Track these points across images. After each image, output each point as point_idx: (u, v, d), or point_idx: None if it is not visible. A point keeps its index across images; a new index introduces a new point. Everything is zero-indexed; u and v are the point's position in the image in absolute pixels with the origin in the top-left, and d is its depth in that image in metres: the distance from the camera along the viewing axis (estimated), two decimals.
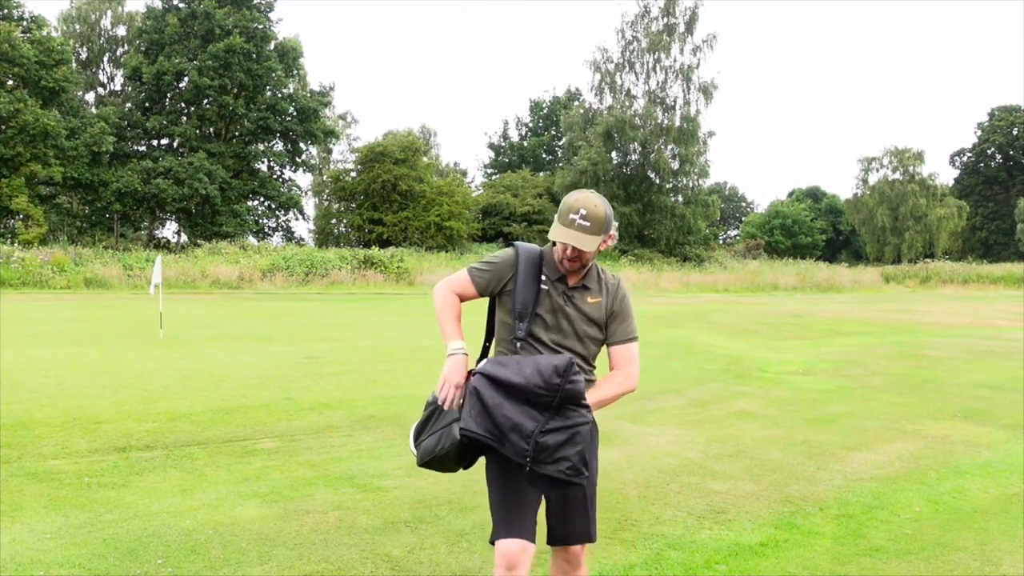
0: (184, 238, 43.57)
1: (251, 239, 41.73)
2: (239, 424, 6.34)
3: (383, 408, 7.11)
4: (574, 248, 2.61)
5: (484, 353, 2.88)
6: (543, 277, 2.72)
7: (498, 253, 2.80)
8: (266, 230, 47.19)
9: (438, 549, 3.80)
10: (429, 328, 15.12)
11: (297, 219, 55.73)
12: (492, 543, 2.68)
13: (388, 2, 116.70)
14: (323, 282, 30.49)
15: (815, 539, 4.03)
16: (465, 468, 2.77)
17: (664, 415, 7.20)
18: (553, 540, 2.80)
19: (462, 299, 2.83)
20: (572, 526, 2.77)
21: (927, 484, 5.07)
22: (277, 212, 47.54)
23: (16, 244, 30.39)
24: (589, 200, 2.60)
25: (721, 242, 68.40)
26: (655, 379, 9.24)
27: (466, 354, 2.69)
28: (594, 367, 2.82)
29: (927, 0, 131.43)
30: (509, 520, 2.66)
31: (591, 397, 2.67)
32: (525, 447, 2.47)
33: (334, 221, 48.19)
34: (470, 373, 2.65)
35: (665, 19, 46.08)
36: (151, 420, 6.40)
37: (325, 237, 46.95)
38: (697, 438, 6.25)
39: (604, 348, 2.87)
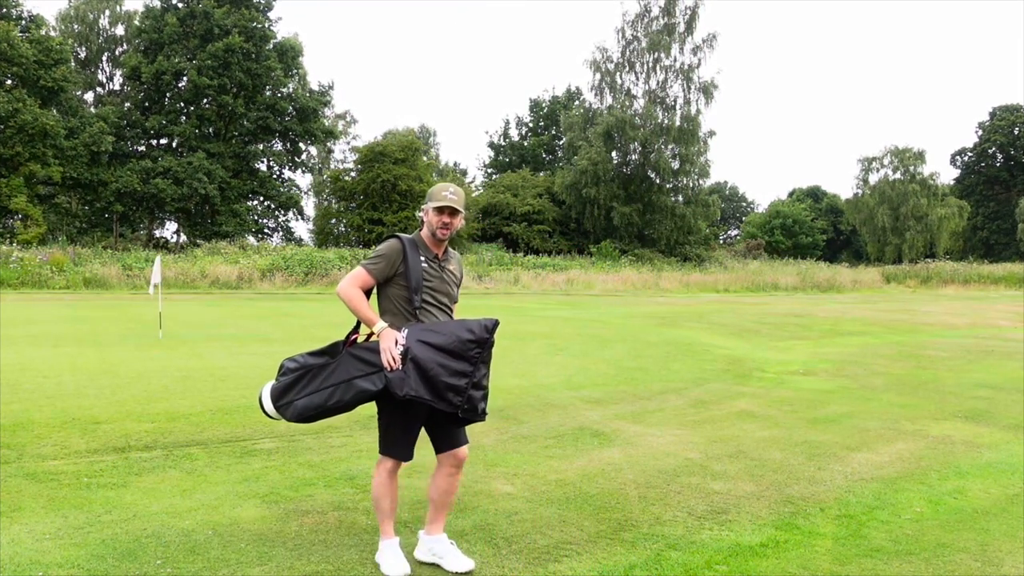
0: (183, 238, 43.57)
1: (250, 239, 41.73)
2: (239, 424, 6.33)
3: None
4: (448, 215, 3.47)
5: (356, 328, 3.56)
6: (422, 259, 3.50)
7: (383, 246, 3.52)
8: (266, 230, 47.22)
9: None
10: None
11: (297, 219, 55.79)
12: (385, 455, 3.52)
13: (388, 2, 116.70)
14: (323, 282, 30.49)
15: (816, 540, 4.02)
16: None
17: (664, 415, 7.19)
18: (445, 448, 3.58)
19: (364, 290, 3.49)
20: (459, 436, 3.58)
21: (928, 484, 5.06)
22: (276, 212, 47.55)
23: (15, 244, 30.39)
24: (451, 184, 3.57)
25: (721, 242, 68.39)
26: (655, 379, 9.23)
27: (390, 327, 3.38)
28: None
29: (927, 0, 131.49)
30: (406, 444, 3.52)
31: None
32: (458, 401, 3.25)
33: (334, 221, 48.16)
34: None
35: (665, 19, 46.08)
36: (150, 420, 6.39)
37: (325, 237, 46.93)
38: (697, 438, 6.24)
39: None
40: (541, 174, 53.67)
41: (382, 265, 3.49)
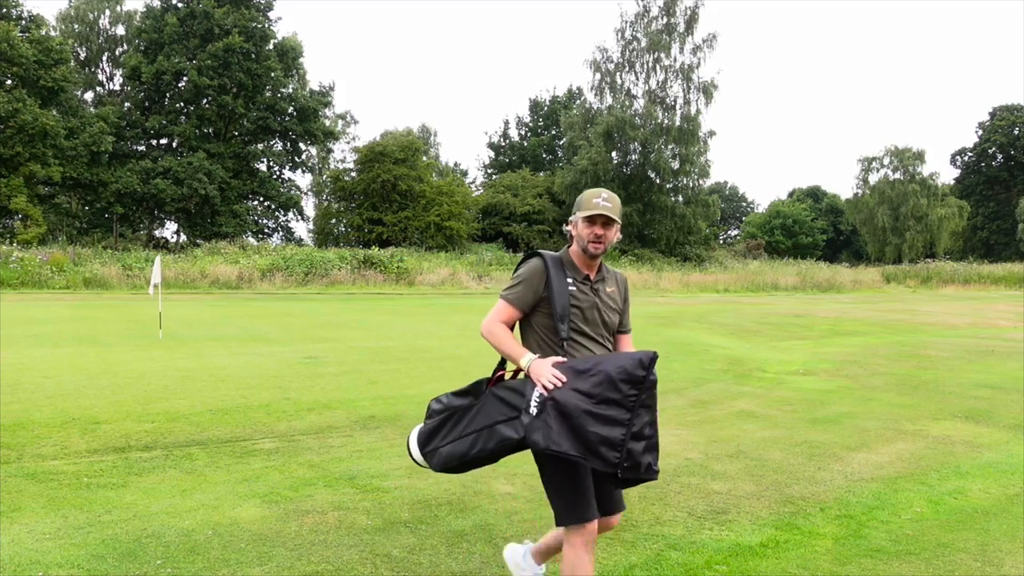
0: (183, 238, 43.57)
1: (250, 239, 41.74)
2: (238, 424, 6.33)
3: (383, 408, 7.10)
4: (601, 227, 2.87)
5: (501, 365, 3.00)
6: (569, 280, 2.92)
7: (522, 269, 2.97)
8: (265, 230, 47.21)
9: (438, 550, 3.79)
10: (429, 328, 15.11)
11: (297, 219, 55.80)
12: (564, 525, 2.80)
13: (388, 2, 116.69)
14: (323, 282, 30.49)
15: (816, 540, 4.02)
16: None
17: (664, 415, 7.18)
18: (600, 512, 2.92)
19: (509, 325, 2.97)
20: (615, 499, 3.00)
21: (928, 484, 5.06)
22: (276, 212, 47.55)
23: (15, 244, 30.39)
24: (604, 190, 2.93)
25: (721, 242, 68.40)
26: None
27: (537, 357, 2.81)
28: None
29: (927, 0, 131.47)
30: (586, 503, 2.79)
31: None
32: (615, 457, 2.59)
33: (334, 221, 48.18)
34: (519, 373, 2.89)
35: (665, 19, 46.08)
36: (150, 420, 6.38)
37: (325, 237, 46.94)
38: (697, 438, 6.24)
39: None
40: (541, 174, 53.67)
41: (523, 291, 2.93)
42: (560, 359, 2.75)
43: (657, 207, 45.59)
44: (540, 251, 3.00)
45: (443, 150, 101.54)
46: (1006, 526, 4.28)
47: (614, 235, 2.92)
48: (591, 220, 2.88)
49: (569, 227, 2.98)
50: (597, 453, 2.57)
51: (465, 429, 2.84)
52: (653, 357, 2.67)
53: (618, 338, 3.06)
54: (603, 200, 2.86)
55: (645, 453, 2.65)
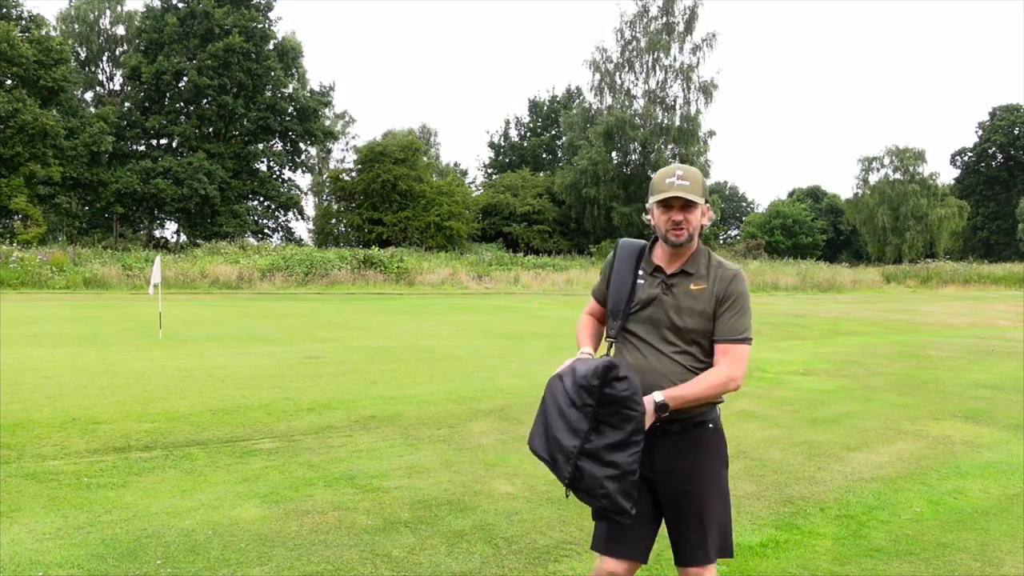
0: (183, 238, 43.58)
1: (250, 239, 41.75)
2: (238, 424, 6.32)
3: (383, 408, 7.10)
4: (680, 211, 2.41)
5: None
6: (639, 271, 2.53)
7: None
8: (265, 230, 47.22)
9: (438, 550, 3.79)
10: (429, 328, 15.11)
11: (297, 219, 55.85)
12: (594, 548, 2.51)
13: (388, 2, 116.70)
14: (323, 282, 30.49)
15: (816, 539, 4.02)
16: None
17: None
18: (676, 560, 2.51)
19: (597, 317, 2.72)
20: (687, 544, 2.45)
21: (928, 484, 5.05)
22: (276, 212, 47.57)
23: (15, 244, 30.39)
24: (679, 166, 2.47)
25: (721, 242, 68.39)
26: None
27: (589, 355, 2.55)
28: (705, 364, 2.47)
29: (927, 0, 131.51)
30: (609, 534, 2.44)
31: (674, 391, 2.36)
32: (566, 471, 2.28)
33: (334, 221, 48.21)
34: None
35: (664, 18, 46.09)
36: (150, 420, 6.38)
37: (325, 237, 46.96)
38: None
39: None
40: (541, 174, 53.70)
41: (599, 281, 2.67)
42: (595, 358, 2.45)
43: None
44: (624, 239, 2.67)
45: (443, 150, 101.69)
46: (1006, 526, 4.28)
47: (700, 218, 2.45)
48: (666, 205, 2.44)
49: (648, 216, 2.55)
50: (555, 461, 2.31)
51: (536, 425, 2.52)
52: (607, 366, 2.24)
53: (716, 348, 2.45)
54: (678, 179, 2.40)
55: (609, 482, 2.22)
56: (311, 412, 6.86)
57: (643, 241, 2.62)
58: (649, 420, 2.31)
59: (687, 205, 2.41)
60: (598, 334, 2.71)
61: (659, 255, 2.53)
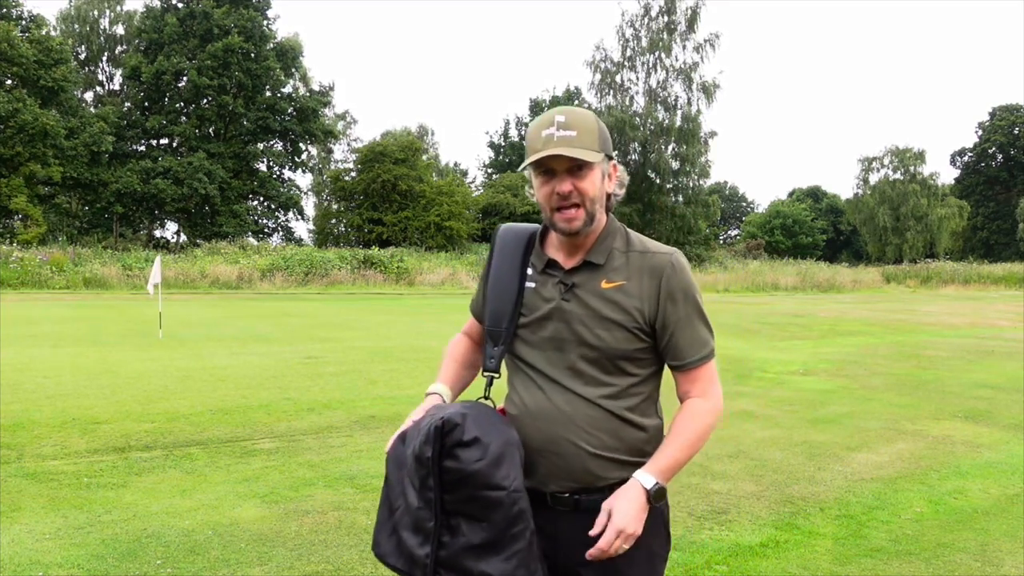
0: (183, 238, 43.57)
1: (250, 239, 41.74)
2: (238, 424, 6.33)
3: (383, 408, 7.10)
4: (565, 176, 1.62)
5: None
6: (529, 270, 1.76)
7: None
8: (265, 230, 47.20)
9: None
10: (429, 328, 15.11)
11: (297, 219, 55.83)
12: None
13: (388, 2, 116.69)
14: (323, 282, 30.49)
15: (816, 539, 4.02)
16: None
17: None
18: None
19: (475, 340, 1.93)
20: None
21: (928, 484, 5.06)
22: (276, 212, 47.54)
23: (15, 244, 30.39)
24: (564, 108, 1.67)
25: (721, 242, 68.39)
26: None
27: (434, 394, 1.82)
28: (638, 398, 1.71)
29: (927, 0, 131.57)
30: None
31: (664, 462, 1.64)
32: (424, 563, 1.57)
33: (334, 221, 48.20)
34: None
35: (666, 18, 46.05)
36: (150, 420, 6.38)
37: (325, 237, 46.94)
38: None
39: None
40: None
41: (477, 288, 1.92)
42: (446, 405, 1.73)
43: (657, 207, 45.56)
44: (505, 224, 1.90)
45: (443, 150, 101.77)
46: (1006, 526, 4.28)
47: (602, 184, 1.66)
48: (545, 170, 1.65)
49: (530, 190, 1.77)
50: (402, 551, 1.61)
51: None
52: (440, 424, 1.56)
53: (677, 378, 1.73)
54: (559, 130, 1.59)
55: None
56: (311, 412, 6.86)
57: (534, 225, 1.86)
58: (638, 520, 1.57)
59: (577, 168, 1.62)
60: (471, 364, 1.92)
61: (553, 243, 1.78)
